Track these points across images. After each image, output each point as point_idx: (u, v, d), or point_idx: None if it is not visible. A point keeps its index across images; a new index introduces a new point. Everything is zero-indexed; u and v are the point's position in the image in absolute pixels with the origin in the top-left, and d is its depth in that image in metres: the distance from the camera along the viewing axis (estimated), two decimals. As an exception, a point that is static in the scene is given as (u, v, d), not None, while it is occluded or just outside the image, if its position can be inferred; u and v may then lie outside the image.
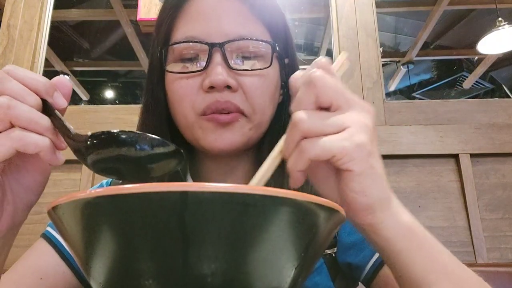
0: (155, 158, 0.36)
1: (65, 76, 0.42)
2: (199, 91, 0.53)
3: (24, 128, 0.35)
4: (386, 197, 0.35)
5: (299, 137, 0.33)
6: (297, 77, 0.36)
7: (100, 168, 0.37)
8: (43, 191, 0.43)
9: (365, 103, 0.36)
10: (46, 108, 0.37)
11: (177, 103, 0.55)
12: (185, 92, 0.53)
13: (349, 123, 0.33)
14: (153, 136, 0.35)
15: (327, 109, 0.35)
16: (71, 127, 0.37)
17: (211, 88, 0.52)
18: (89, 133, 0.35)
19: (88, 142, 0.35)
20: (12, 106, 0.34)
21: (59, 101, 0.38)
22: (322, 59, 0.36)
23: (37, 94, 0.36)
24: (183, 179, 0.60)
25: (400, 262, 0.36)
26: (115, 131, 0.34)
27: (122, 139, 0.34)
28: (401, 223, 0.36)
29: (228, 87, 0.52)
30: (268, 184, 0.55)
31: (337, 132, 0.33)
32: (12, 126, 0.35)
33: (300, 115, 0.33)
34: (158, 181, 0.28)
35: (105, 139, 0.34)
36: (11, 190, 0.40)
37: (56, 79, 0.39)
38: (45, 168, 0.41)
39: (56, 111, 0.37)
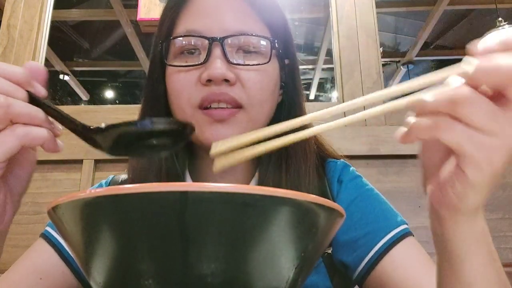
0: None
1: (35, 62, 0.42)
2: (197, 84, 0.53)
3: (25, 123, 0.35)
4: (477, 207, 0.32)
5: (448, 112, 0.29)
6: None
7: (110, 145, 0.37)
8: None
9: None
10: (32, 98, 0.37)
11: (175, 96, 0.55)
12: (183, 85, 0.54)
13: (507, 134, 0.28)
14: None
15: (496, 96, 0.29)
16: (58, 108, 0.37)
17: (209, 81, 0.52)
18: (103, 125, 0.36)
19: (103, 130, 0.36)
20: (11, 104, 0.34)
21: (40, 90, 0.38)
22: None
23: (21, 86, 0.36)
24: (181, 177, 0.60)
25: (461, 273, 0.34)
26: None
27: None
28: (479, 233, 0.34)
29: (226, 81, 0.52)
30: (267, 183, 0.56)
31: (487, 134, 0.28)
32: (11, 122, 0.35)
33: (472, 96, 0.28)
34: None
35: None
36: (9, 183, 0.40)
37: (29, 66, 0.38)
38: (33, 158, 0.41)
39: (41, 98, 0.37)
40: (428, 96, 0.29)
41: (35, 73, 0.38)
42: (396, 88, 0.32)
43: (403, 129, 0.31)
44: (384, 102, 0.32)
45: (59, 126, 0.39)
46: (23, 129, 0.35)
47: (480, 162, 0.28)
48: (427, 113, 0.30)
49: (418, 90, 0.31)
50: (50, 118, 0.38)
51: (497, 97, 0.29)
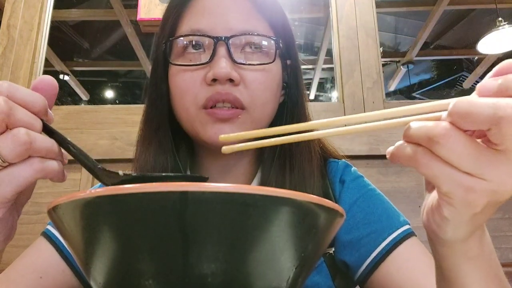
0: None
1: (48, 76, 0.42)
2: (202, 84, 0.53)
3: (41, 156, 0.35)
4: (463, 237, 0.31)
5: (426, 146, 0.27)
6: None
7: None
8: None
9: None
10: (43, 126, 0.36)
11: (180, 96, 0.55)
12: (188, 85, 0.54)
13: (490, 178, 0.26)
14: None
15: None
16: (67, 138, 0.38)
17: (214, 80, 0.52)
18: (121, 173, 0.36)
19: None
20: (33, 139, 0.34)
21: (51, 117, 0.38)
22: None
23: (37, 115, 0.36)
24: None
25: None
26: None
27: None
28: (473, 254, 0.32)
29: (231, 80, 0.52)
30: (269, 183, 0.56)
31: (467, 174, 0.26)
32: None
33: (449, 134, 0.26)
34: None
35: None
36: (17, 201, 0.39)
37: (42, 82, 0.37)
38: None
39: (53, 128, 0.37)
40: (412, 125, 0.28)
41: (49, 91, 0.37)
42: (398, 109, 0.31)
43: (392, 148, 0.31)
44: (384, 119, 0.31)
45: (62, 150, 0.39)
46: (39, 164, 0.35)
47: (456, 202, 0.27)
48: (410, 140, 0.29)
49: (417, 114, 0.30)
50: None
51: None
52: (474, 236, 0.31)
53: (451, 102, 0.26)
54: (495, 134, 0.25)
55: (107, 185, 0.37)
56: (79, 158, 0.37)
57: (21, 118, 0.33)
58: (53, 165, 0.36)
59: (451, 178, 0.27)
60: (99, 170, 0.37)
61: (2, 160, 0.33)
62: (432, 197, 0.32)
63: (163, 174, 0.36)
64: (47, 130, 0.36)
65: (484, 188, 0.26)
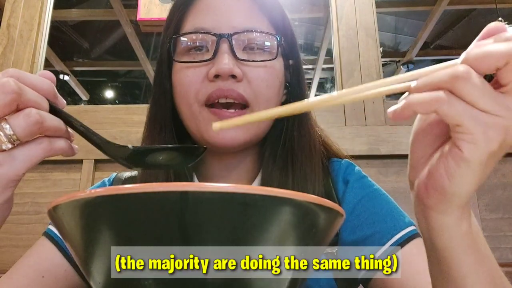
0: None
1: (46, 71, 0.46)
2: (205, 80, 0.54)
3: (49, 135, 0.38)
4: (463, 201, 0.32)
5: (448, 87, 0.28)
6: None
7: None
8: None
9: None
10: (51, 107, 0.39)
11: (182, 92, 0.56)
12: (191, 81, 0.55)
13: (503, 114, 0.28)
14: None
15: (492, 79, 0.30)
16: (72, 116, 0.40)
17: (217, 77, 0.53)
18: (130, 146, 0.39)
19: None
20: (45, 119, 0.37)
21: (61, 102, 0.41)
22: None
23: (47, 98, 0.39)
24: (188, 177, 0.61)
25: (449, 273, 0.34)
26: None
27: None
28: (464, 232, 0.33)
29: (234, 77, 0.53)
30: (270, 183, 0.56)
31: (485, 111, 0.28)
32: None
33: (471, 74, 0.28)
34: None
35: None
36: None
37: (43, 75, 0.40)
38: None
39: (61, 109, 0.40)
40: (421, 78, 0.30)
41: (51, 80, 0.40)
42: (394, 77, 0.31)
43: (397, 105, 0.30)
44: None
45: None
46: (48, 143, 0.38)
47: (477, 138, 0.28)
48: (426, 89, 0.29)
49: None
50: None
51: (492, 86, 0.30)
52: (466, 214, 0.32)
53: (462, 55, 0.30)
54: (505, 72, 0.28)
55: (116, 158, 0.39)
56: (86, 135, 0.39)
57: (31, 98, 0.36)
58: (60, 143, 0.39)
59: (472, 115, 0.28)
60: (107, 145, 0.39)
61: (15, 138, 0.35)
62: (436, 159, 0.31)
63: (169, 146, 0.40)
64: (53, 110, 0.39)
65: (500, 124, 0.28)
